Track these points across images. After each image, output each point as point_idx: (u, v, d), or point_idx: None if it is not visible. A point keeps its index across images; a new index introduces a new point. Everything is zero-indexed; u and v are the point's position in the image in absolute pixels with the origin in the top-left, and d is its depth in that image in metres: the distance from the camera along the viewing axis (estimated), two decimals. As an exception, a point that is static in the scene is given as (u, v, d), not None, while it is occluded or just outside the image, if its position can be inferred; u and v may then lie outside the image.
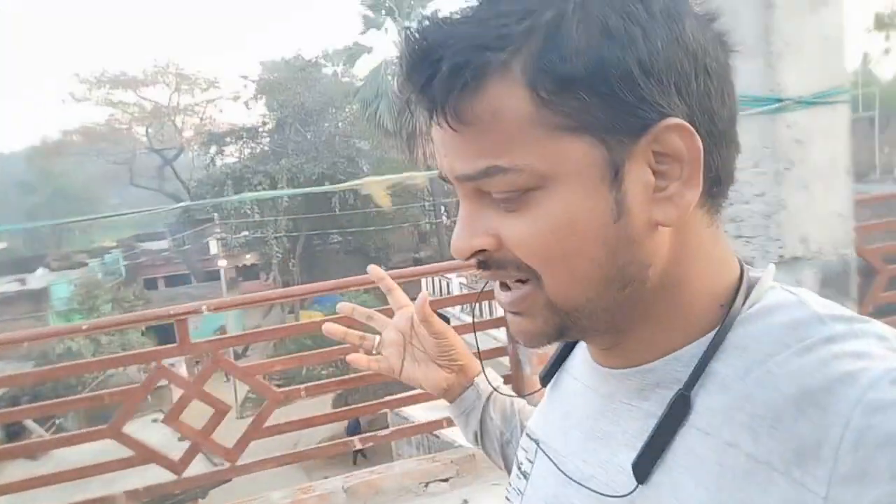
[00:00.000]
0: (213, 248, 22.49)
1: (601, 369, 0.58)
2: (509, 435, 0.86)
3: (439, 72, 0.46)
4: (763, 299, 0.51)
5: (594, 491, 0.54)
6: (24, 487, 2.53)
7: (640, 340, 0.53)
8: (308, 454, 3.01)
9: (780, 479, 0.43)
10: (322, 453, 3.16)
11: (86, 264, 23.92)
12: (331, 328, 0.87)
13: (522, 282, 0.50)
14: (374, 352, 0.87)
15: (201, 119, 28.59)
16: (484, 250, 0.50)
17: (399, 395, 3.22)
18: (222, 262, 22.48)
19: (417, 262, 22.05)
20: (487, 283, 0.57)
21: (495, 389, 0.86)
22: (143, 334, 15.79)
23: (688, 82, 0.47)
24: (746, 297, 0.51)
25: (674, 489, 0.48)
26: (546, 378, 0.69)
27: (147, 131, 28.04)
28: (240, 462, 2.67)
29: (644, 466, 0.50)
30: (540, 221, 0.47)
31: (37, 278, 21.94)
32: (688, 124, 0.47)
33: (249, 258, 24.85)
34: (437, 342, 0.85)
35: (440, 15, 0.49)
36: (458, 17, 0.48)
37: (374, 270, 0.90)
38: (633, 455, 0.51)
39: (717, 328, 0.50)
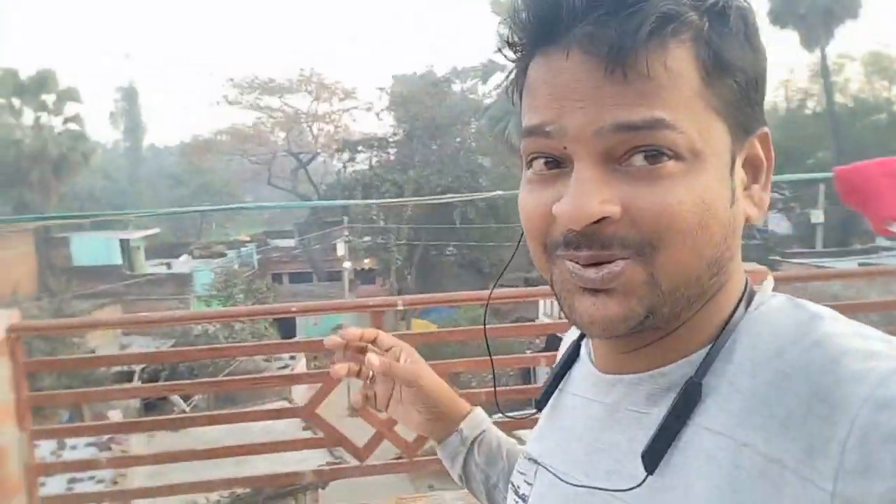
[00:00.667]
0: (340, 249, 23.55)
1: (606, 377, 0.58)
2: (496, 479, 0.84)
3: (644, 15, 0.45)
4: (765, 304, 0.53)
5: (602, 489, 0.53)
6: (202, 456, 2.74)
7: (668, 342, 0.53)
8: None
9: (791, 476, 0.43)
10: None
11: (224, 254, 25.80)
12: (331, 341, 0.82)
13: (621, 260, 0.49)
14: (367, 381, 0.85)
15: (336, 126, 30.12)
16: (604, 219, 0.48)
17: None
18: (347, 264, 23.48)
19: (528, 282, 21.93)
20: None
21: (482, 432, 0.85)
22: (269, 325, 16.78)
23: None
24: (749, 303, 0.53)
25: (686, 491, 0.48)
26: (542, 402, 0.68)
27: (287, 135, 29.90)
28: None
29: (654, 455, 0.49)
30: (688, 192, 0.47)
31: (181, 263, 23.99)
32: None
33: (368, 262, 25.77)
34: (408, 390, 0.82)
35: None
36: None
37: (329, 342, 0.82)
38: (640, 462, 0.50)
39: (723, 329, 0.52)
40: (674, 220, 0.47)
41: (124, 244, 22.98)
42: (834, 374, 0.44)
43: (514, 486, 0.67)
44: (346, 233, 23.32)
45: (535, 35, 0.50)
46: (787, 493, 0.43)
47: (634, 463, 0.51)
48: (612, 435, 0.55)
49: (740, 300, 0.53)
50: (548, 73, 0.49)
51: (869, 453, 0.41)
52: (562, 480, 0.59)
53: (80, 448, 7.24)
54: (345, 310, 3.00)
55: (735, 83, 0.49)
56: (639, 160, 0.47)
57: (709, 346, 0.52)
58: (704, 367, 0.50)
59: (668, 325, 0.52)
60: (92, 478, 6.63)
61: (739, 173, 0.52)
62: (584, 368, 0.63)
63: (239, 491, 6.59)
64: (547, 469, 0.62)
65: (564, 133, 0.48)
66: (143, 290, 19.87)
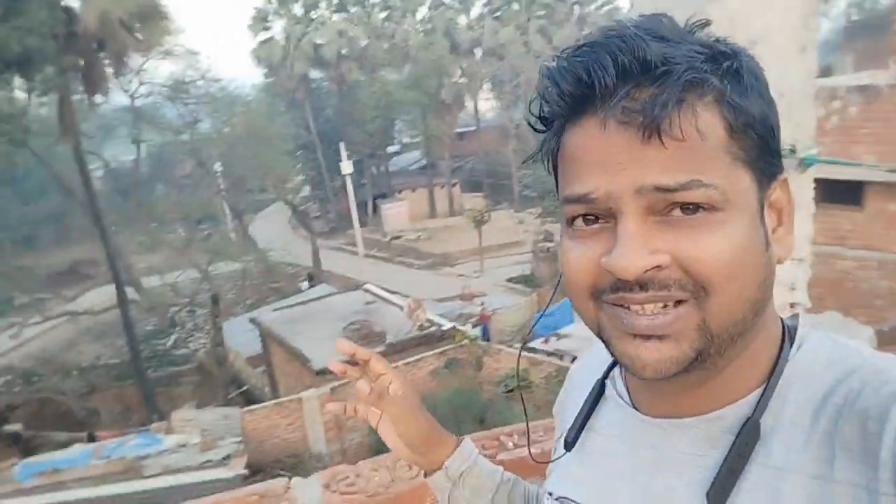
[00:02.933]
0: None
1: (655, 421, 0.61)
2: None
3: (672, 85, 0.50)
4: (806, 341, 0.59)
5: None
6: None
7: (718, 384, 0.57)
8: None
9: (863, 493, 0.49)
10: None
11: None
12: (336, 366, 0.88)
13: (677, 304, 0.53)
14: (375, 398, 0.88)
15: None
16: (656, 267, 0.52)
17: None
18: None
19: None
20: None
21: (468, 466, 0.89)
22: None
23: None
24: (792, 341, 0.59)
25: None
26: (572, 443, 0.71)
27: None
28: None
29: (721, 494, 0.54)
30: (726, 240, 0.52)
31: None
32: None
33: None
34: (390, 424, 0.87)
35: (633, 29, 0.52)
36: (653, 36, 0.52)
37: (341, 345, 0.88)
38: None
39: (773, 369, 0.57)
40: (723, 265, 0.52)
41: None
42: (878, 394, 0.51)
43: None
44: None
45: (569, 110, 0.55)
46: None
47: None
48: (665, 479, 0.59)
49: (783, 339, 0.58)
50: (586, 142, 0.54)
51: None
52: None
53: None
54: None
55: (756, 135, 0.54)
56: (678, 212, 0.52)
57: (762, 387, 0.57)
58: (762, 406, 0.55)
59: (715, 366, 0.56)
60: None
61: (768, 218, 0.56)
62: (620, 412, 0.66)
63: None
64: None
65: (609, 197, 0.53)
66: None
